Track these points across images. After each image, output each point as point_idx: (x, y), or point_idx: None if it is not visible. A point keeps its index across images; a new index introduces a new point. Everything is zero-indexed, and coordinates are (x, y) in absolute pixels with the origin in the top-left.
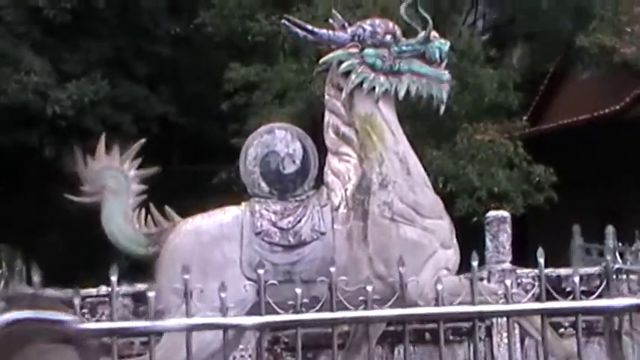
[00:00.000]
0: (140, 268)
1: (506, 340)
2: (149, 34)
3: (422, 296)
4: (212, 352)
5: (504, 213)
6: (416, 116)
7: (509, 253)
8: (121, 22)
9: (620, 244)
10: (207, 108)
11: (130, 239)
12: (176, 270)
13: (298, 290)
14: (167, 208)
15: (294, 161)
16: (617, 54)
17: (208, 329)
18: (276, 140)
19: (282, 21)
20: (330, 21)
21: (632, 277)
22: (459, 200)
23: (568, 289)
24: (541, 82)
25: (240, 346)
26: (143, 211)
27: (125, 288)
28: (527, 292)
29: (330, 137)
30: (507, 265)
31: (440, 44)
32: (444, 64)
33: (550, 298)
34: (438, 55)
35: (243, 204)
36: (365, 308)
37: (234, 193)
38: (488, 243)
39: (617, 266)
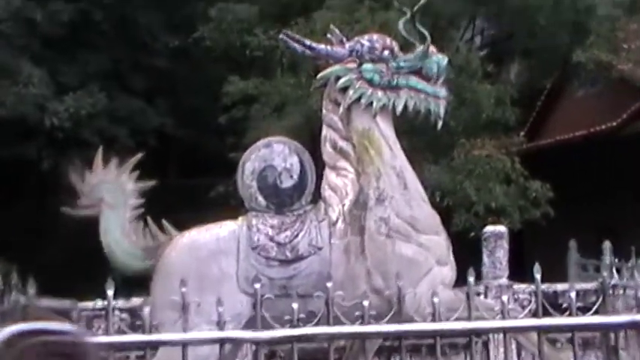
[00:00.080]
0: (136, 281)
1: (502, 356)
2: (147, 48)
3: (418, 311)
4: None
5: (501, 228)
6: (413, 131)
7: (506, 268)
8: (119, 35)
9: (616, 259)
10: (204, 121)
11: (126, 253)
12: (172, 284)
13: (295, 305)
14: (164, 221)
15: (291, 176)
16: (614, 70)
17: (205, 344)
18: (274, 154)
19: (281, 36)
20: (329, 36)
21: (628, 292)
22: (456, 215)
23: (564, 306)
24: (538, 98)
25: None
26: (140, 224)
27: (122, 302)
28: (523, 307)
29: (327, 151)
30: (504, 281)
31: (438, 60)
32: (441, 80)
33: (547, 314)
34: (435, 71)
35: (240, 218)
36: (362, 323)
37: (231, 206)
38: (485, 258)
39: (613, 282)
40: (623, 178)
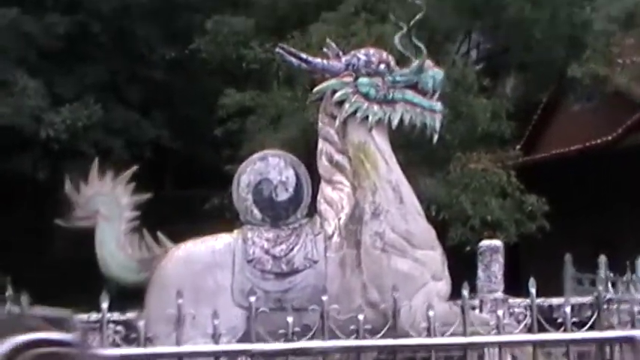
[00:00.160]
0: (131, 293)
1: None
2: (144, 59)
3: (413, 326)
4: None
5: (497, 242)
6: (409, 145)
7: (502, 282)
8: (115, 47)
9: (612, 273)
10: (200, 133)
11: (121, 266)
12: (167, 297)
13: (290, 318)
14: (159, 233)
15: (287, 189)
16: (610, 84)
17: (200, 357)
18: (270, 167)
19: (277, 49)
20: (325, 50)
21: (623, 307)
22: (452, 229)
23: (560, 320)
24: (534, 112)
25: None
26: (136, 236)
27: (116, 315)
28: (519, 322)
29: (323, 165)
30: (499, 295)
31: (433, 74)
32: (437, 94)
33: (542, 328)
34: (431, 85)
35: (235, 231)
36: (357, 337)
37: (226, 219)
38: (480, 272)
39: (608, 296)
40: (619, 192)
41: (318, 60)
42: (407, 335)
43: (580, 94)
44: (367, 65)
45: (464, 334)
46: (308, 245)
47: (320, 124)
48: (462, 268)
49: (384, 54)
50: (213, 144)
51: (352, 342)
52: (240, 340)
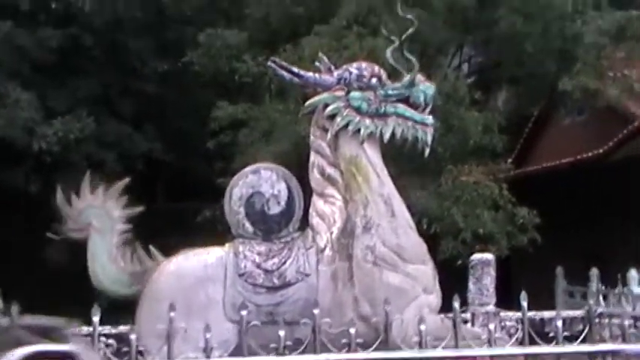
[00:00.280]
0: (122, 304)
1: None
2: (136, 72)
3: (405, 340)
4: None
5: (488, 256)
6: (401, 158)
7: (493, 295)
8: (108, 60)
9: (603, 286)
10: (193, 146)
11: (113, 280)
12: (159, 310)
13: (281, 332)
14: (151, 247)
15: (279, 202)
16: (601, 98)
17: None
18: (262, 181)
19: (269, 63)
20: (317, 64)
21: (614, 321)
22: (443, 242)
23: (551, 334)
24: (526, 125)
25: None
26: (128, 249)
27: (108, 328)
28: (510, 335)
29: (315, 178)
30: (491, 308)
31: (425, 88)
32: (428, 108)
33: (533, 342)
34: (422, 100)
35: (227, 245)
36: (349, 351)
37: (218, 232)
38: (471, 285)
39: (599, 310)
40: (610, 205)
41: (310, 74)
42: (398, 349)
43: (571, 107)
44: (359, 79)
45: (455, 347)
46: (300, 259)
47: (312, 137)
48: (453, 282)
49: (376, 68)
50: (206, 157)
51: (344, 355)
52: (232, 354)
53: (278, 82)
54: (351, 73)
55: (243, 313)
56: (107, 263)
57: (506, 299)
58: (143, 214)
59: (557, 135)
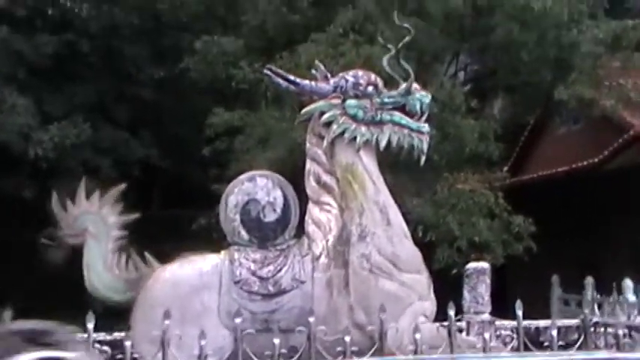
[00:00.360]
0: (116, 311)
1: None
2: (132, 79)
3: (400, 348)
4: None
5: (484, 264)
6: (397, 165)
7: (489, 304)
8: (105, 66)
9: (598, 295)
10: (189, 152)
11: (108, 287)
12: (154, 317)
13: (276, 340)
14: (147, 254)
15: (274, 210)
16: (596, 107)
17: None
18: (257, 188)
19: (265, 71)
20: (313, 71)
21: (609, 329)
22: (439, 250)
23: (546, 344)
24: (522, 134)
25: None
26: (123, 255)
27: (102, 335)
28: (506, 344)
29: (311, 185)
30: (486, 317)
31: (421, 97)
32: (424, 116)
33: (528, 351)
34: (418, 108)
35: (222, 252)
36: (344, 359)
37: (213, 239)
38: (466, 294)
39: (595, 319)
40: (605, 214)
41: (306, 82)
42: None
43: (566, 116)
44: (355, 87)
45: (451, 354)
46: (296, 266)
47: (308, 144)
48: (448, 291)
49: (372, 76)
50: (202, 163)
51: None
52: None
53: (274, 89)
54: (347, 80)
55: (238, 320)
56: (102, 271)
57: (501, 307)
58: (138, 220)
59: (553, 143)
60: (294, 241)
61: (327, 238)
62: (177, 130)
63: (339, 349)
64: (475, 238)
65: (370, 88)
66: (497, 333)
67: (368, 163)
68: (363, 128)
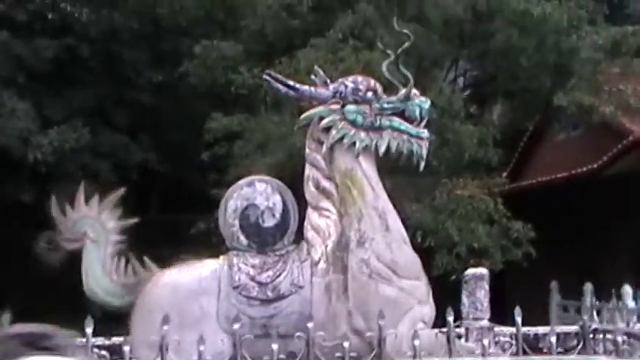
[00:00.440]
0: (115, 315)
1: None
2: (131, 83)
3: (399, 354)
4: None
5: (482, 270)
6: (396, 171)
7: (487, 310)
8: (104, 71)
9: (597, 301)
10: (188, 157)
11: (107, 292)
12: (152, 322)
13: (275, 346)
14: (145, 258)
15: (273, 215)
16: (595, 113)
17: None
18: (256, 193)
19: (264, 76)
20: (313, 77)
21: (608, 336)
22: (437, 255)
23: (545, 350)
24: (521, 140)
25: None
26: (122, 260)
27: (101, 340)
28: (504, 350)
29: (310, 191)
30: (485, 323)
31: (420, 103)
32: (424, 122)
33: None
34: (418, 114)
35: (221, 257)
36: None
37: (212, 244)
38: (464, 299)
39: (594, 326)
40: (604, 220)
41: (306, 87)
42: None
43: (566, 122)
44: (355, 93)
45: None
46: (294, 272)
47: (307, 150)
48: (447, 297)
49: (372, 81)
50: (200, 168)
51: None
52: None
53: (273, 94)
54: (346, 86)
55: (237, 325)
56: (101, 276)
57: (500, 314)
58: (137, 225)
59: (552, 149)
60: (293, 247)
61: (326, 243)
62: (177, 134)
63: (337, 354)
64: (474, 243)
65: (369, 94)
66: (496, 339)
67: (367, 168)
68: (363, 134)
